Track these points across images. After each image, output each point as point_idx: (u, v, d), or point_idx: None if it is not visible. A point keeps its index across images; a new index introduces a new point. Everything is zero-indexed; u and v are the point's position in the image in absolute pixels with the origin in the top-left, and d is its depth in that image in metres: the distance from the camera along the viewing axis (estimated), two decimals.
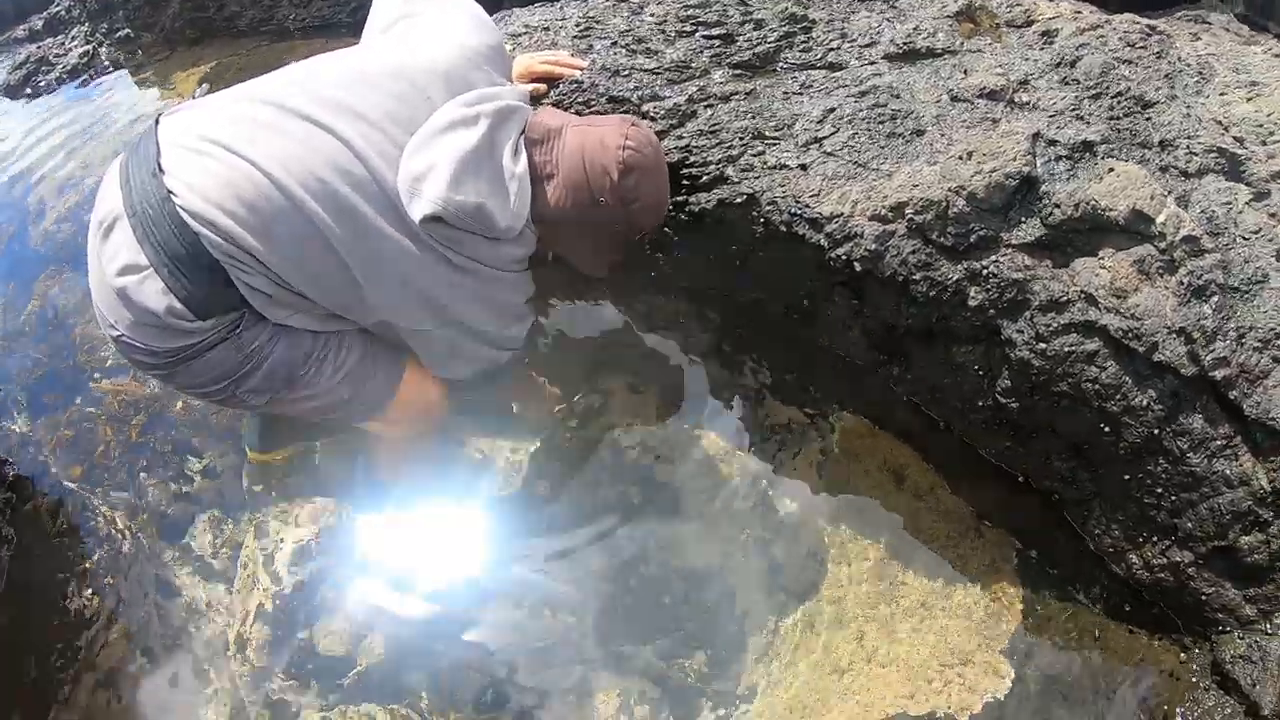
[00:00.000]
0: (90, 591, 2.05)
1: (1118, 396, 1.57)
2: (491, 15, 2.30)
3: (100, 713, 1.87)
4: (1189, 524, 1.61)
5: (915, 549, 1.83)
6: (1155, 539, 1.68)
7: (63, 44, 4.08)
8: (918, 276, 1.68)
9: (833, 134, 1.81)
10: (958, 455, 1.92)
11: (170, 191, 1.38)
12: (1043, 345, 1.60)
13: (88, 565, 2.10)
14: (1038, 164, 1.68)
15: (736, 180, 1.83)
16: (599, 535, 1.93)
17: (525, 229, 1.59)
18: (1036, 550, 1.82)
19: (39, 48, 4.09)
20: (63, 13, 4.19)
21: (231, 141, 1.41)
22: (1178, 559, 1.64)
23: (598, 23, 2.08)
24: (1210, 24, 2.43)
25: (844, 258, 1.73)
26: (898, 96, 1.86)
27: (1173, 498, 1.61)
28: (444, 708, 1.77)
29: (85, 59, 3.93)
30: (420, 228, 1.45)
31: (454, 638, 1.84)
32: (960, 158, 1.69)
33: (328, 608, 1.91)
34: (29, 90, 3.93)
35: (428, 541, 1.99)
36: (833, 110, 1.84)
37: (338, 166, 1.42)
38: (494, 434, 2.13)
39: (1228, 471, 1.55)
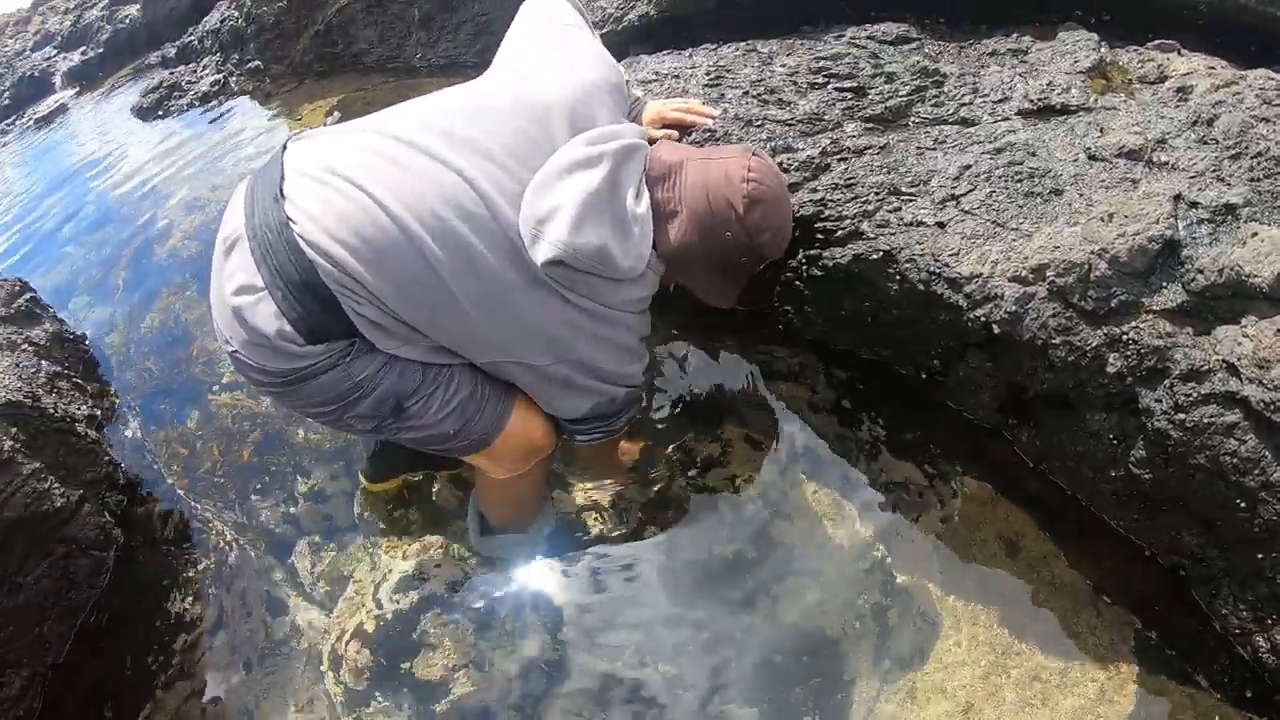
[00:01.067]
0: (192, 599, 2.10)
1: (1256, 471, 1.51)
2: (620, 61, 2.36)
3: (191, 718, 1.90)
4: None
5: (1030, 621, 1.78)
6: None
7: (194, 71, 4.29)
8: (1057, 340, 1.66)
9: (970, 191, 1.81)
10: (1078, 526, 1.87)
11: (289, 218, 1.42)
12: (1181, 416, 1.56)
13: (192, 574, 2.16)
14: (1180, 227, 1.65)
15: (873, 236, 1.83)
16: (709, 589, 1.90)
17: (647, 270, 1.59)
18: (1156, 627, 1.75)
19: (171, 74, 4.32)
20: (195, 42, 4.39)
21: (353, 173, 1.44)
22: None
23: (728, 72, 2.11)
24: None
25: (983, 319, 1.71)
26: (1034, 154, 1.85)
27: None
28: None
29: (216, 87, 4.12)
30: (542, 270, 1.47)
31: (552, 682, 1.83)
32: (1102, 219, 1.67)
33: (427, 640, 1.92)
34: (160, 113, 4.14)
35: (533, 583, 1.99)
36: (968, 167, 1.84)
37: (456, 203, 1.44)
38: (606, 478, 2.13)
39: None
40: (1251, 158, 1.77)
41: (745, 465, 2.09)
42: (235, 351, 1.53)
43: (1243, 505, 1.56)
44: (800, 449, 2.10)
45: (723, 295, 1.78)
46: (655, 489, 2.08)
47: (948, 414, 2.04)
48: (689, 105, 2.02)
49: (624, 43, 2.62)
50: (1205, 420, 1.54)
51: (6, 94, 4.68)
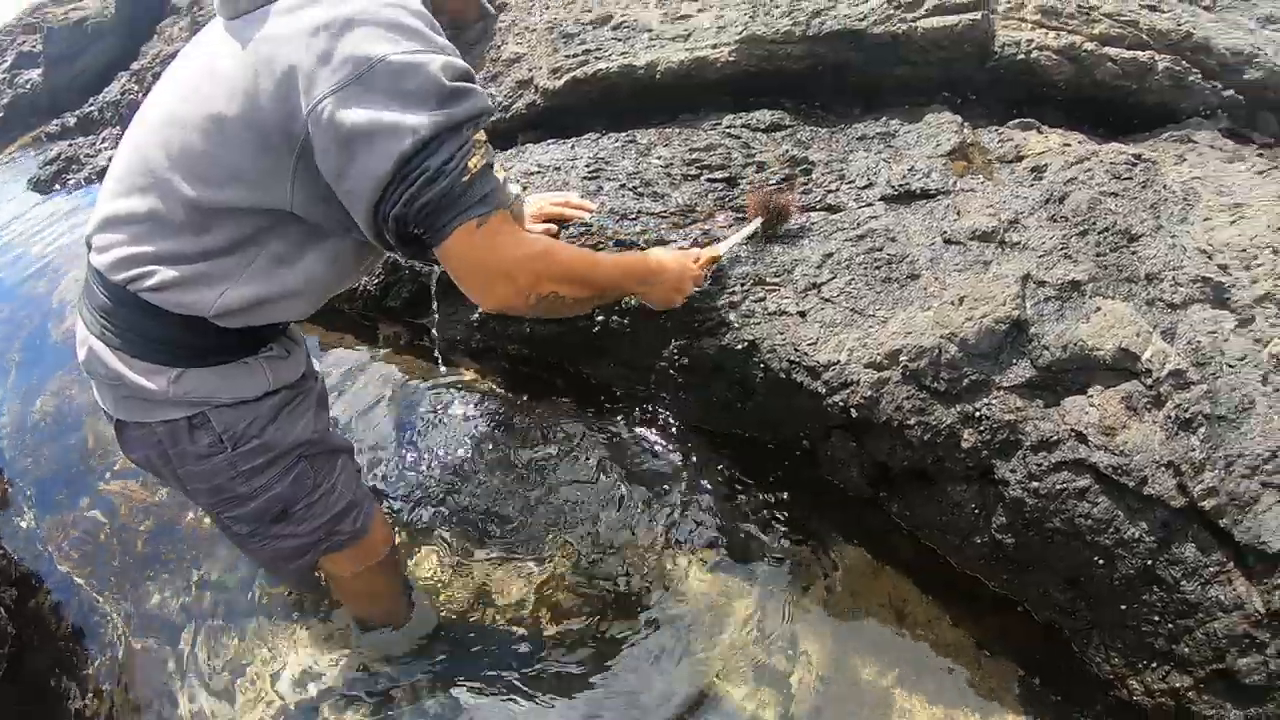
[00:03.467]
0: (91, 696, 2.04)
1: (1110, 530, 1.60)
2: (505, 150, 2.42)
3: None
4: (1186, 649, 1.61)
5: (920, 679, 1.83)
6: (1155, 665, 1.68)
7: (94, 144, 4.20)
8: (912, 421, 1.73)
9: (830, 280, 1.89)
10: (957, 587, 1.94)
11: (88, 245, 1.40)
12: (1035, 484, 1.64)
13: (89, 670, 2.10)
14: (1027, 307, 1.75)
15: (738, 326, 1.90)
16: (603, 664, 1.91)
17: None
18: (1039, 677, 1.82)
19: (70, 145, 4.22)
20: (95, 113, 4.30)
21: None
22: (1177, 684, 1.64)
23: (607, 164, 2.18)
24: (1196, 142, 2.42)
25: (841, 404, 1.78)
26: (894, 240, 1.94)
27: (1169, 625, 1.62)
28: None
29: None
30: None
31: None
32: (953, 303, 1.76)
33: None
34: (58, 187, 4.04)
35: (429, 679, 1.97)
36: (830, 255, 1.92)
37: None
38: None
39: (1222, 597, 1.56)
40: (1099, 233, 1.88)
41: (633, 546, 2.11)
42: (115, 420, 1.48)
43: (1101, 562, 1.65)
44: (689, 524, 2.13)
45: None
46: (543, 574, 2.09)
47: (826, 487, 2.09)
48: (567, 200, 2.07)
49: (513, 130, 2.66)
50: (1058, 486, 1.63)
51: None
